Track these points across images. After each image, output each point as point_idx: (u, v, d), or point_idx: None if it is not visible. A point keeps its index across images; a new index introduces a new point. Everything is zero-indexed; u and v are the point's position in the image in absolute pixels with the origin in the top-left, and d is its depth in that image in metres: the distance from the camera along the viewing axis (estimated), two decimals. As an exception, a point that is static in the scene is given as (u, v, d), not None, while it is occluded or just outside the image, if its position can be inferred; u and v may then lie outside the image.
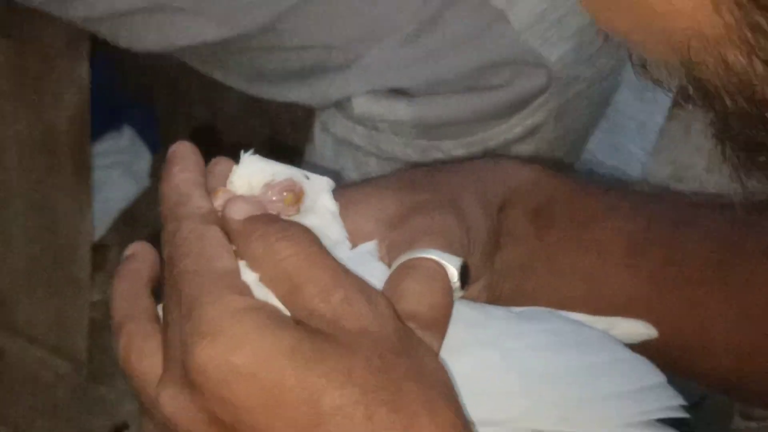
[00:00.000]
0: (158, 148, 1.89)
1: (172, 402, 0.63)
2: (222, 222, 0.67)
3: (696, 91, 0.54)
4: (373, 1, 1.17)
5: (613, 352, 0.72)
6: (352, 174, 1.20)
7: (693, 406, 0.72)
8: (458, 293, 0.68)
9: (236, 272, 0.65)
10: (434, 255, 0.68)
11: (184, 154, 0.70)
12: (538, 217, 0.78)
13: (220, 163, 0.71)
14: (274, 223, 0.66)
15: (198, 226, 0.66)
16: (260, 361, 0.61)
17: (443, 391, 0.64)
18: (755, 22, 0.50)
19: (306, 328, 0.63)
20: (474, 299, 0.73)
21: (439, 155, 1.19)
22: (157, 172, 1.90)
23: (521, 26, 1.15)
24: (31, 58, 1.43)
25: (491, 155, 1.17)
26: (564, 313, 0.73)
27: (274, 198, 0.68)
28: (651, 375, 0.71)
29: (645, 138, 1.51)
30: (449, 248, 0.69)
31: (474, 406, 0.65)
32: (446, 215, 0.72)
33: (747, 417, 1.65)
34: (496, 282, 0.77)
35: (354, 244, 0.71)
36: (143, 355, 0.66)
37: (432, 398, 0.63)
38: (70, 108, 1.46)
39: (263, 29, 1.18)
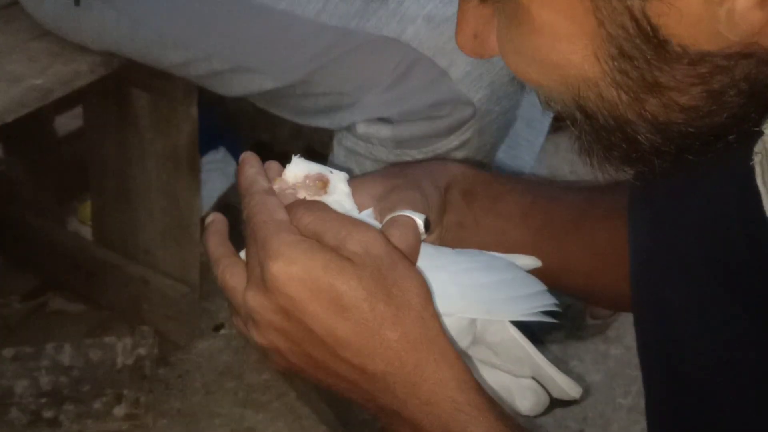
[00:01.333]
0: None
1: (254, 298, 0.62)
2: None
3: (581, 115, 0.52)
4: (367, 66, 1.16)
5: (515, 272, 0.71)
6: (355, 170, 1.19)
7: (563, 307, 0.71)
8: (423, 236, 0.67)
9: (288, 221, 0.64)
10: (408, 213, 0.67)
11: (250, 158, 0.69)
12: (467, 195, 0.77)
13: (273, 164, 0.70)
14: (300, 204, 0.66)
15: (263, 196, 0.65)
16: (306, 271, 0.60)
17: (419, 292, 0.63)
18: (622, 67, 0.49)
19: (334, 252, 0.62)
20: (431, 243, 0.72)
21: (408, 158, 1.17)
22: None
23: (457, 79, 1.14)
24: (162, 103, 1.42)
25: (439, 157, 1.16)
26: (485, 251, 0.72)
27: (311, 184, 0.68)
28: (538, 285, 0.70)
29: (532, 151, 1.50)
30: (416, 210, 0.68)
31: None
32: (414, 191, 0.71)
33: (594, 317, 1.65)
34: (442, 234, 0.75)
35: (360, 211, 0.69)
36: (232, 275, 0.64)
37: (412, 297, 0.62)
38: (186, 135, 1.44)
39: (301, 82, 1.18)
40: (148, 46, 1.23)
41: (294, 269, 0.60)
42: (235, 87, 1.21)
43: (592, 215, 0.77)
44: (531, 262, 0.74)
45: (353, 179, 0.72)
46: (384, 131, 1.17)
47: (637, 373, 0.66)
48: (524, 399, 0.69)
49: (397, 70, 1.14)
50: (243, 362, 1.54)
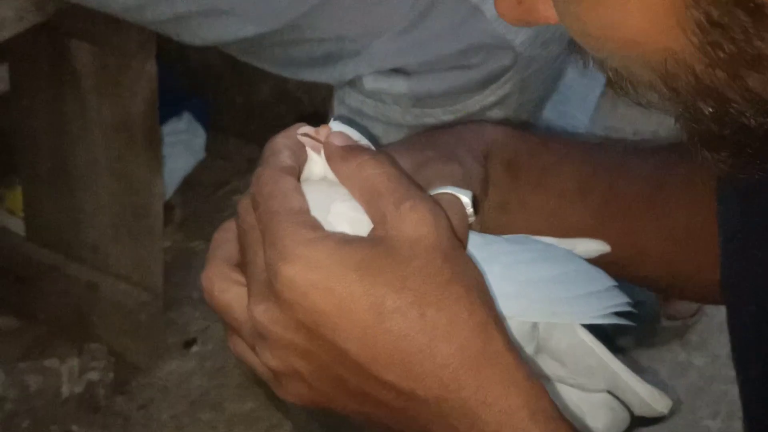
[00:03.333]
0: (209, 129, 1.90)
1: (264, 314, 0.61)
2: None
3: (674, 100, 0.53)
4: (375, 4, 1.16)
5: (577, 264, 0.71)
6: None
7: (634, 306, 0.72)
8: (471, 218, 0.67)
9: (307, 211, 0.63)
10: (450, 189, 0.67)
11: (293, 129, 0.68)
12: (510, 167, 0.77)
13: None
14: (365, 151, 0.65)
15: (278, 174, 0.64)
16: (333, 276, 0.60)
17: (480, 293, 0.62)
18: (715, 40, 0.50)
19: (369, 246, 0.61)
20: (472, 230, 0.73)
21: (430, 120, 1.18)
22: (210, 148, 1.91)
23: (493, 17, 1.13)
24: (110, 58, 1.42)
25: (471, 120, 1.16)
26: (537, 237, 0.72)
27: None
28: (606, 281, 0.70)
29: (586, 108, 1.51)
30: (458, 186, 0.68)
31: None
32: (451, 164, 0.71)
33: (671, 318, 1.66)
34: (483, 217, 0.75)
35: None
36: (223, 290, 0.64)
37: (472, 299, 0.61)
38: (142, 98, 1.45)
39: (290, 26, 1.18)
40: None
41: (317, 275, 0.60)
42: (206, 34, 1.22)
43: (668, 186, 0.78)
44: (597, 246, 0.74)
45: None
46: (399, 86, 1.17)
47: (727, 388, 0.67)
48: (597, 419, 0.70)
49: (414, 8, 1.14)
50: (221, 387, 1.56)
